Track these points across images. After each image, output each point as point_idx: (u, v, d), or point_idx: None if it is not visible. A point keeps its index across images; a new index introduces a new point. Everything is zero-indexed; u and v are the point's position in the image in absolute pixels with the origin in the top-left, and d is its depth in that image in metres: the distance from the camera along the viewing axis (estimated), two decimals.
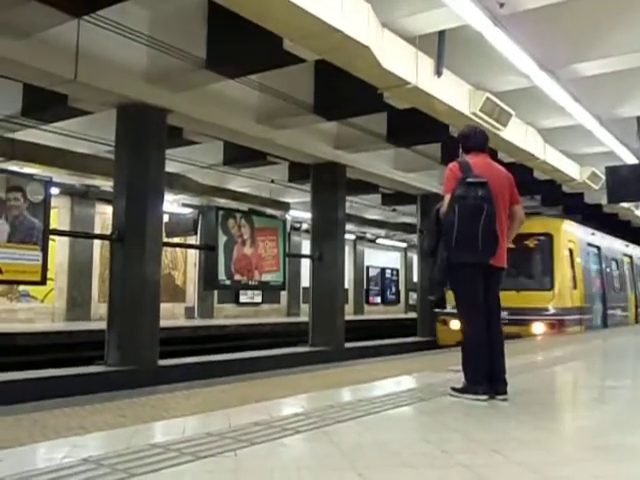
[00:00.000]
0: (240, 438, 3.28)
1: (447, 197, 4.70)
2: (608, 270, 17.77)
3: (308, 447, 3.28)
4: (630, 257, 20.39)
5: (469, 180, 4.64)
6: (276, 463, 2.91)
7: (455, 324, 11.93)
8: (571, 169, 16.83)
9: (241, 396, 4.77)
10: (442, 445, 3.30)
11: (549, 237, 14.38)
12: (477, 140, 5.20)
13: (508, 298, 11.87)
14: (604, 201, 16.62)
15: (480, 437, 3.54)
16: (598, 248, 17.09)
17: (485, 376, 4.56)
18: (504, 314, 11.44)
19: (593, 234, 17.12)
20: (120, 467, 2.71)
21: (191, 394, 5.04)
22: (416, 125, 12.56)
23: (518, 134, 13.18)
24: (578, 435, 3.95)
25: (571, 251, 14.98)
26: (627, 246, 20.66)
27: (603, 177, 15.12)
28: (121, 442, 3.17)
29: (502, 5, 8.11)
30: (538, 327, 13.30)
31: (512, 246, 12.86)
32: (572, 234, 15.36)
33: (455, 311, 12.28)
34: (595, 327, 15.78)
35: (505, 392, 4.55)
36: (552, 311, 13.83)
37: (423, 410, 4.31)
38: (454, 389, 4.68)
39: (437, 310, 13.48)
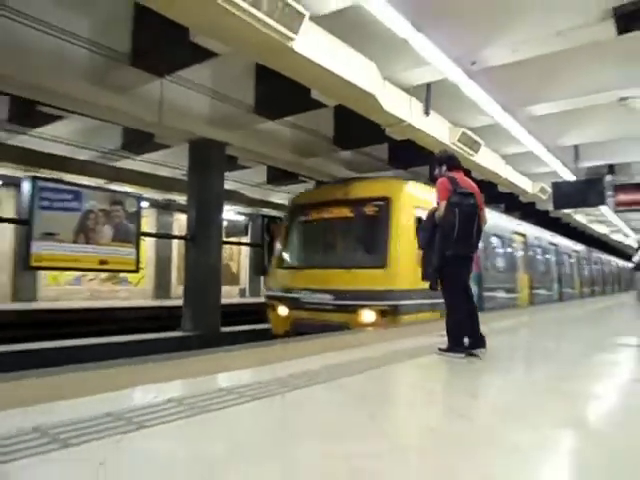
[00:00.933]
0: (286, 384, 3.30)
1: (443, 204, 4.55)
2: (487, 248, 11.49)
3: (330, 393, 3.28)
4: (524, 235, 14.28)
5: (462, 191, 4.59)
6: (310, 403, 2.92)
7: (284, 310, 8.54)
8: (525, 184, 16.69)
9: (282, 355, 4.78)
10: (432, 391, 3.30)
11: (386, 202, 8.30)
12: (457, 160, 5.10)
13: (335, 278, 7.94)
14: (551, 208, 16.45)
15: (460, 384, 3.52)
16: None
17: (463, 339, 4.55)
18: (327, 298, 7.80)
19: None
20: (197, 405, 2.75)
21: (245, 354, 5.04)
22: (410, 153, 12.48)
23: (486, 159, 13.10)
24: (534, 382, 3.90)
25: (421, 221, 8.04)
26: (519, 225, 14.67)
27: (549, 190, 15.00)
28: (196, 387, 3.20)
29: (473, 63, 8.10)
30: (368, 315, 7.60)
31: (345, 215, 8.68)
32: (422, 200, 8.35)
33: (284, 294, 8.60)
34: None
35: (485, 346, 4.55)
36: (386, 295, 7.72)
37: (416, 365, 4.29)
38: (440, 349, 4.62)
39: (268, 294, 9.41)
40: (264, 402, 2.86)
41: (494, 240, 12.07)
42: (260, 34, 6.23)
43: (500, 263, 12.28)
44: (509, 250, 13.05)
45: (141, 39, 7.59)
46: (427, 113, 9.91)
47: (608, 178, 15.13)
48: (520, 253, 13.75)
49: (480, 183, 14.99)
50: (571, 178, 14.79)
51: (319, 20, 6.94)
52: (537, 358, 5.10)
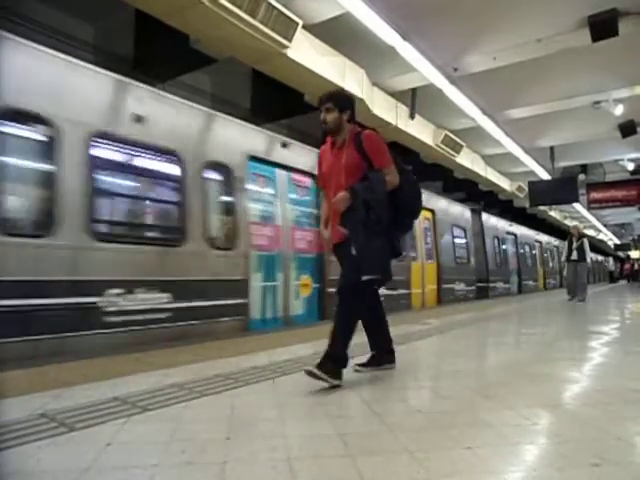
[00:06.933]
0: (276, 370, 3.31)
1: (394, 168, 3.14)
2: None
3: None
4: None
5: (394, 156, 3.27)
6: (299, 387, 2.92)
7: None
8: (504, 183, 16.79)
9: (279, 342, 4.78)
10: (417, 374, 3.32)
11: None
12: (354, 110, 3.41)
13: None
14: (527, 205, 16.55)
15: (443, 368, 3.54)
16: None
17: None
18: None
19: None
20: (196, 389, 2.75)
21: (245, 341, 5.02)
22: (396, 154, 12.51)
23: (467, 159, 13.14)
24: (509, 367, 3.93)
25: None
26: None
27: (526, 189, 15.08)
28: (195, 373, 3.20)
29: (456, 70, 8.15)
30: None
31: None
32: None
33: None
34: None
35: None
36: None
37: (403, 350, 4.30)
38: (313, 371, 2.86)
39: None
40: (257, 386, 2.87)
41: None
42: (256, 41, 6.23)
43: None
44: None
45: (143, 46, 7.53)
46: (412, 117, 9.94)
47: (581, 177, 15.26)
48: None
49: (462, 182, 15.14)
50: (547, 177, 14.89)
51: (312, 28, 6.94)
52: None
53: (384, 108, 9.19)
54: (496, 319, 7.44)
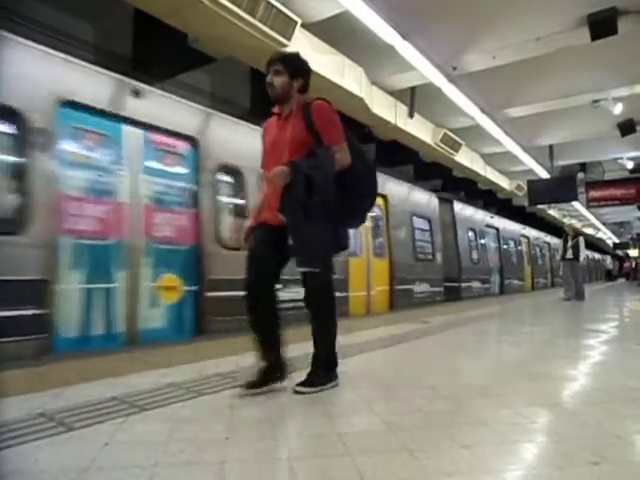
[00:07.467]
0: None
1: (345, 146, 2.70)
2: None
3: None
4: None
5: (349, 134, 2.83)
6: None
7: None
8: (503, 182, 16.80)
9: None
10: (415, 372, 3.31)
11: None
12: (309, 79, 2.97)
13: None
14: (526, 204, 16.54)
15: (443, 366, 3.53)
16: None
17: None
18: None
19: None
20: (193, 389, 2.74)
21: (237, 340, 5.00)
22: (395, 152, 12.49)
23: (467, 158, 13.16)
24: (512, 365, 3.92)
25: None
26: None
27: (525, 187, 15.10)
28: (194, 373, 3.19)
29: (455, 69, 8.16)
30: None
31: None
32: None
33: None
34: None
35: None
36: None
37: (401, 349, 4.31)
38: (309, 385, 2.73)
39: None
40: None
41: None
42: (255, 40, 6.23)
43: None
44: None
45: (142, 45, 7.52)
46: (411, 115, 9.95)
47: (580, 176, 15.27)
48: None
49: (461, 181, 15.14)
50: (546, 176, 14.89)
51: (311, 27, 6.93)
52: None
53: (383, 107, 9.20)
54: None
